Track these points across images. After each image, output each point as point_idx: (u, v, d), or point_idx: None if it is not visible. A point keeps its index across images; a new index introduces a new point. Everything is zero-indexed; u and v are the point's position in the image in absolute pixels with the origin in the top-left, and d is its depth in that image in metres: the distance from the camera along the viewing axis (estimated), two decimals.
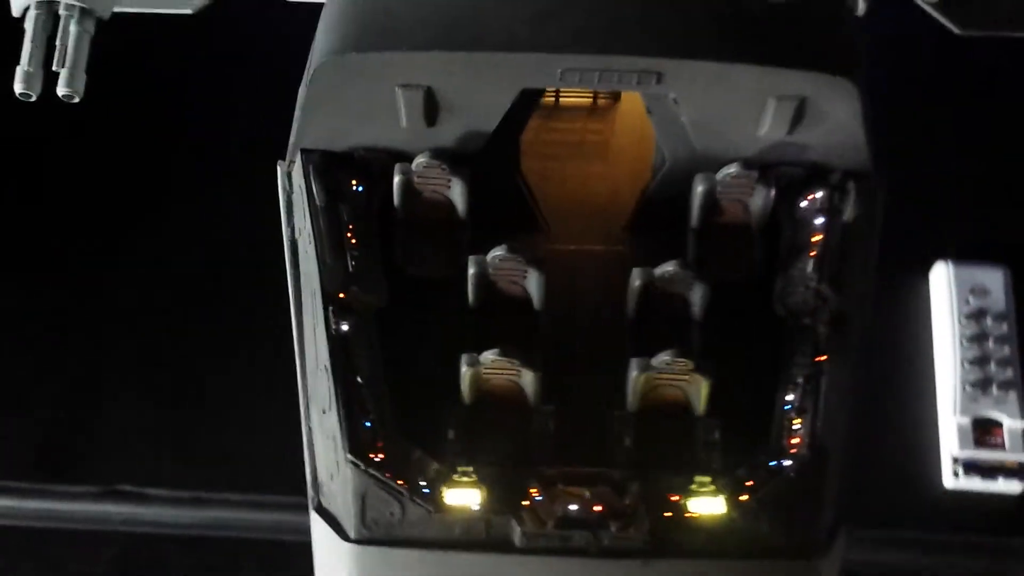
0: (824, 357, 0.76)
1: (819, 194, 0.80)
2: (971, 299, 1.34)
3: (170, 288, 1.30)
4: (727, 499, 0.74)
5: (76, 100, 0.83)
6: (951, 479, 1.25)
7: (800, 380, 0.76)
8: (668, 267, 0.77)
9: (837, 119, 0.76)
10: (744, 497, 0.74)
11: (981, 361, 1.30)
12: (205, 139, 1.34)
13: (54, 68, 0.84)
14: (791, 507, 0.73)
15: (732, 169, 0.78)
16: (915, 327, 1.34)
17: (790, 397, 0.76)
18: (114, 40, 0.87)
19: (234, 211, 1.26)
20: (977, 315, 1.33)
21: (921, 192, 1.24)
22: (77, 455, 1.25)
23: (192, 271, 1.31)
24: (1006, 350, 1.31)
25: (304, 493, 0.81)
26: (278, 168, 0.82)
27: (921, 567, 1.25)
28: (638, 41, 0.73)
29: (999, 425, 1.27)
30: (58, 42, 0.84)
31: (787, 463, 0.75)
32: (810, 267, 0.78)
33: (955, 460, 1.26)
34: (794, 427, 0.75)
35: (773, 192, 0.79)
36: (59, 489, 1.23)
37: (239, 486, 1.25)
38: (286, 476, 0.95)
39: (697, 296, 0.78)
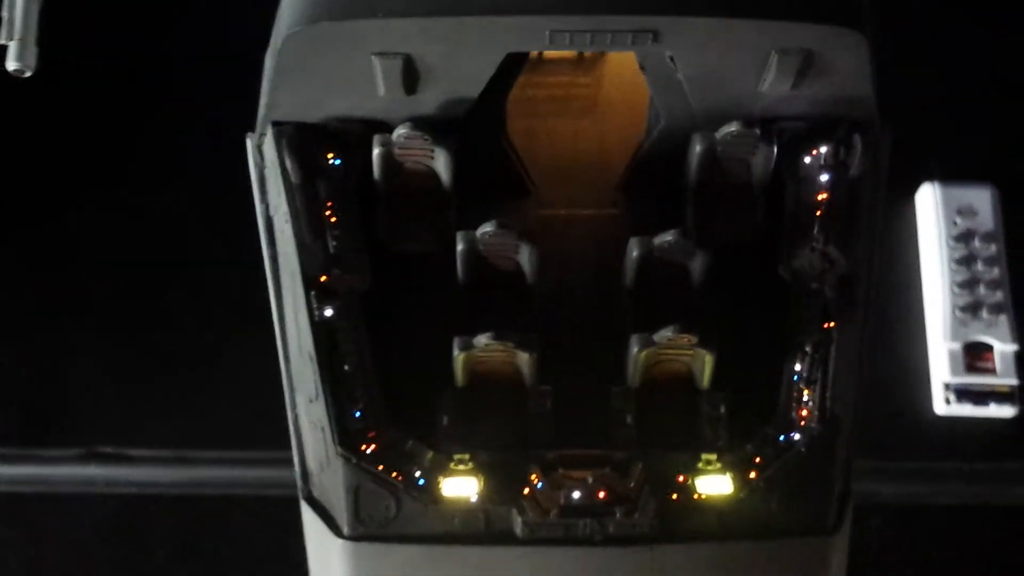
0: (832, 324, 0.73)
1: (823, 149, 0.76)
2: (958, 220, 1.31)
3: (143, 246, 1.27)
4: (735, 477, 0.71)
5: (28, 75, 0.78)
6: (942, 406, 1.24)
7: (808, 349, 0.73)
8: (668, 236, 0.73)
9: (843, 71, 0.72)
10: (753, 474, 0.71)
11: (970, 284, 1.28)
12: (175, 102, 1.29)
13: (2, 41, 0.78)
14: (803, 483, 0.71)
15: (733, 127, 0.74)
16: (902, 251, 1.32)
17: (798, 367, 0.73)
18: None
19: (211, 170, 1.21)
20: (965, 237, 1.30)
21: (905, 112, 1.21)
22: (55, 418, 1.22)
23: (166, 227, 1.27)
24: (995, 272, 1.29)
25: (287, 447, 0.78)
26: (247, 141, 0.77)
27: (913, 495, 1.25)
28: None
29: (990, 349, 1.26)
30: (4, 13, 0.78)
31: (797, 437, 0.72)
32: (816, 227, 0.75)
33: (946, 386, 1.25)
34: (803, 398, 0.73)
35: (775, 149, 0.75)
36: (40, 453, 1.21)
37: (221, 443, 1.22)
38: (268, 431, 0.93)
39: (698, 264, 0.75)
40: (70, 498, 1.22)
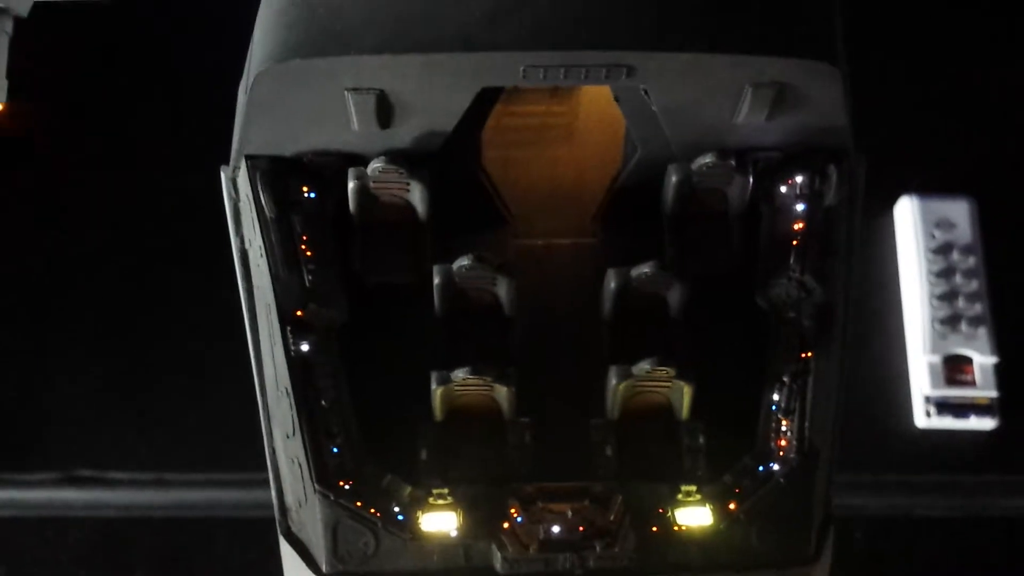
0: (810, 353, 0.73)
1: (799, 178, 0.76)
2: (937, 233, 1.31)
3: (122, 265, 1.26)
4: (714, 509, 0.71)
5: None
6: (923, 418, 1.25)
7: (786, 379, 0.73)
8: (645, 268, 0.73)
9: (818, 103, 0.72)
10: (732, 506, 0.71)
11: (949, 297, 1.29)
12: (162, 114, 1.28)
13: None
14: (782, 513, 0.71)
15: (708, 158, 0.74)
16: (881, 265, 1.32)
17: (776, 397, 0.73)
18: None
19: (191, 186, 1.21)
20: (944, 249, 1.31)
21: (883, 125, 1.21)
22: (33, 442, 1.22)
23: (144, 249, 1.26)
24: (974, 284, 1.29)
25: (267, 468, 0.77)
26: (221, 174, 0.77)
27: (895, 507, 1.25)
28: (605, 33, 0.68)
29: (970, 362, 1.26)
30: None
31: (776, 467, 0.72)
32: (792, 257, 0.75)
33: (927, 399, 1.25)
34: (781, 429, 0.73)
35: (751, 180, 0.75)
36: (17, 478, 1.21)
37: (201, 465, 1.22)
38: (248, 452, 0.92)
39: (675, 296, 0.75)
40: (49, 522, 1.22)
